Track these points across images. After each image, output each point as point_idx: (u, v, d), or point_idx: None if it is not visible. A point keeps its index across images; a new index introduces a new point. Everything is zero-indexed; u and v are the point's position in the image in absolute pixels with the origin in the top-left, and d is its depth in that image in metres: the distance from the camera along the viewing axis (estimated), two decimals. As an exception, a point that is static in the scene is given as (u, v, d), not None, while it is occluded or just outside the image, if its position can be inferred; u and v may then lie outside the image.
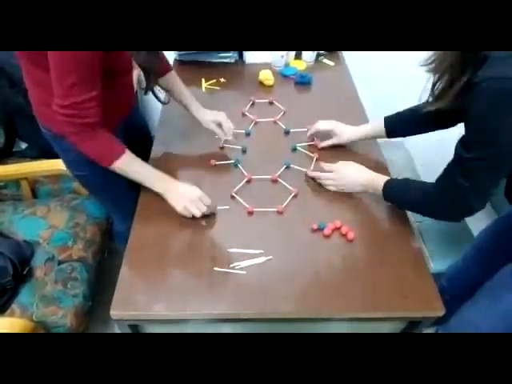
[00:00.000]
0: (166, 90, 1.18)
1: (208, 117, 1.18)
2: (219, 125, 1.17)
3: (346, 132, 1.17)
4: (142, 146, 1.32)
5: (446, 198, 0.83)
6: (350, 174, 1.05)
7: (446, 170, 0.83)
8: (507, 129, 0.68)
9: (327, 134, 1.20)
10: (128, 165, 0.97)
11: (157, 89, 1.10)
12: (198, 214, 0.97)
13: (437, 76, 0.77)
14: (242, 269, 0.90)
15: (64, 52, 0.78)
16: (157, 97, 1.12)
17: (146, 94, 1.07)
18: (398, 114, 1.10)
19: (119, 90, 1.06)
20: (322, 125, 1.19)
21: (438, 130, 1.03)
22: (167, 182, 1.00)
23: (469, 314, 1.01)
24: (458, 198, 0.81)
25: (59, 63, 0.81)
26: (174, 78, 1.17)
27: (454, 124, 0.96)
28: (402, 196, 0.96)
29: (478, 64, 0.69)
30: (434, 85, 0.79)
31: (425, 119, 0.97)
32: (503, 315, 0.91)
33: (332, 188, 1.07)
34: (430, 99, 0.81)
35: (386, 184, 0.96)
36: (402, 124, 1.09)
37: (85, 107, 0.86)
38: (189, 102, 1.19)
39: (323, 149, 1.21)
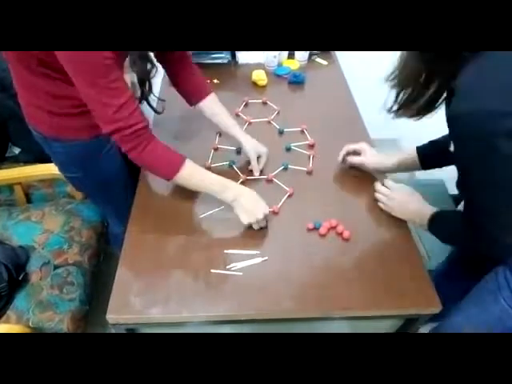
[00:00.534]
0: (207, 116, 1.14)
1: (250, 145, 1.13)
2: (259, 156, 1.14)
3: (370, 154, 1.09)
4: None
5: (472, 235, 0.79)
6: (402, 198, 0.99)
7: (464, 210, 0.79)
8: (499, 162, 0.64)
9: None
10: (192, 174, 0.94)
11: (151, 98, 1.09)
12: (256, 227, 0.97)
13: (399, 88, 0.75)
14: (238, 270, 0.90)
15: (80, 60, 0.76)
16: (151, 106, 1.10)
17: (140, 103, 1.06)
18: (432, 142, 1.02)
19: None
20: (351, 147, 1.12)
21: None
22: (235, 191, 0.95)
23: (457, 321, 0.98)
24: (480, 235, 0.77)
25: (81, 77, 0.79)
26: (212, 103, 1.13)
27: None
28: (445, 232, 0.91)
29: (444, 80, 0.68)
30: (397, 95, 0.76)
31: None
32: (494, 323, 0.88)
33: (381, 205, 1.02)
34: (395, 108, 0.78)
35: (434, 216, 0.91)
36: (438, 154, 0.99)
37: (125, 115, 0.83)
38: (231, 131, 1.14)
39: (319, 150, 1.20)
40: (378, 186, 1.04)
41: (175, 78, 1.13)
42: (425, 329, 1.14)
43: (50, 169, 1.35)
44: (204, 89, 1.13)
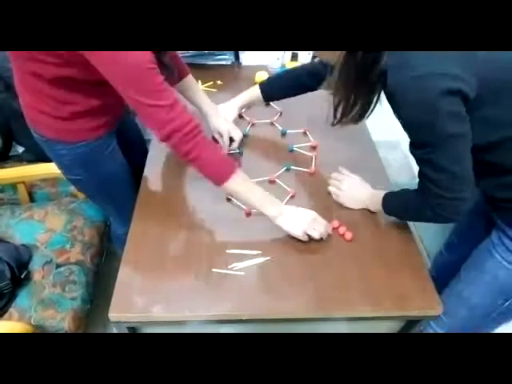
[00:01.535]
0: (181, 94, 1.17)
1: (213, 124, 1.17)
2: (221, 135, 1.17)
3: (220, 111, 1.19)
4: (136, 148, 1.31)
5: (432, 197, 0.79)
6: (352, 189, 1.04)
7: (419, 174, 0.81)
8: (440, 117, 0.68)
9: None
10: (242, 184, 0.92)
11: None
12: (316, 235, 0.93)
13: (336, 100, 0.83)
14: (240, 270, 0.90)
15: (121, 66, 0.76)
16: None
17: None
18: (270, 79, 1.21)
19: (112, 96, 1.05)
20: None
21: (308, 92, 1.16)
22: (280, 207, 0.94)
23: (458, 288, 1.00)
24: (442, 192, 0.77)
25: (128, 85, 0.79)
26: (189, 82, 1.16)
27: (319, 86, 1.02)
28: (400, 207, 0.93)
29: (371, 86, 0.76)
30: (335, 108, 0.86)
31: (295, 84, 1.15)
32: (491, 282, 0.91)
33: (334, 197, 1.06)
34: (337, 119, 0.87)
35: (385, 197, 0.95)
36: (276, 90, 1.19)
37: (179, 112, 0.83)
38: (200, 106, 1.18)
39: (322, 151, 1.21)
40: (331, 180, 1.09)
41: None
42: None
43: (53, 168, 1.35)
44: (186, 67, 1.16)
